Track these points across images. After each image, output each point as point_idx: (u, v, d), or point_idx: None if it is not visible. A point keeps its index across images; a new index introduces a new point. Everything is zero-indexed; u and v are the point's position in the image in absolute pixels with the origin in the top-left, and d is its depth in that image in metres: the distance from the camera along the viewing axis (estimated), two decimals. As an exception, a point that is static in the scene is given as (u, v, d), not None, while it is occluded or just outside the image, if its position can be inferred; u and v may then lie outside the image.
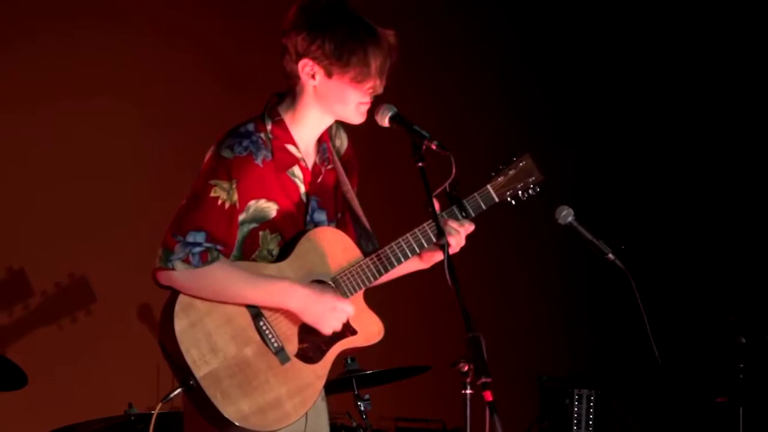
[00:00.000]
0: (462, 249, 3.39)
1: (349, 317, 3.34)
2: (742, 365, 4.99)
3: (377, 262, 3.37)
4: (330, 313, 3.27)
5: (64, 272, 5.39)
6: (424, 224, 3.37)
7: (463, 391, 3.37)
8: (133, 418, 4.64)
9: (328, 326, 3.28)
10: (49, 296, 5.34)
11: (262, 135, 3.33)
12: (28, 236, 5.39)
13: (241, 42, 6.14)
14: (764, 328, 5.07)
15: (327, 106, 3.35)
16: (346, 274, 3.36)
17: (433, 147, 3.17)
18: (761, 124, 7.35)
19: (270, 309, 3.28)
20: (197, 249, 3.20)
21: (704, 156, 7.57)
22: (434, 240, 3.31)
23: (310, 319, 3.27)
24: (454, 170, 3.22)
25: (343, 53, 3.25)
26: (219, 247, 3.23)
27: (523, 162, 3.51)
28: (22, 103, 5.41)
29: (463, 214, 3.40)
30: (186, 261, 3.19)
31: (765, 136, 7.33)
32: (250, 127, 3.34)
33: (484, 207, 3.44)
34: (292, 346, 3.29)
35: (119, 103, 5.67)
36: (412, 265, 3.49)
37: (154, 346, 5.41)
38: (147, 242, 4.93)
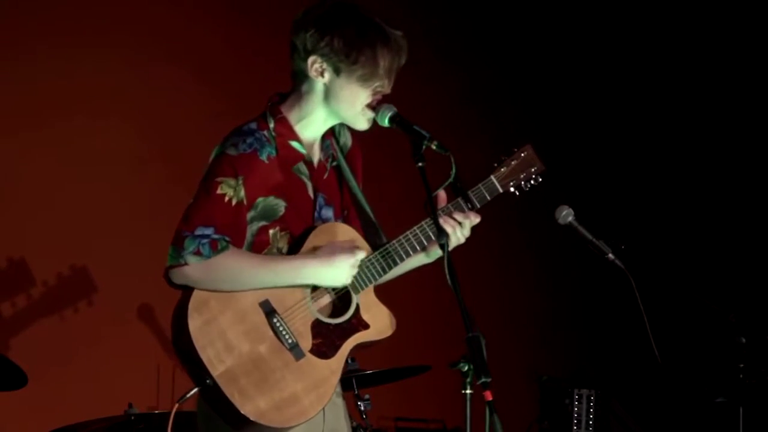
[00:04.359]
0: (462, 249, 3.38)
1: (361, 311, 3.35)
2: (742, 365, 5.00)
3: (385, 258, 3.37)
4: (349, 271, 3.29)
5: (65, 272, 5.39)
6: (428, 219, 3.37)
7: (463, 391, 3.37)
8: (133, 418, 4.64)
9: (349, 279, 3.31)
10: (50, 296, 5.34)
11: (266, 133, 3.33)
12: (28, 238, 5.39)
13: (237, 52, 6.17)
14: (764, 328, 5.07)
15: (334, 107, 3.34)
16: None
17: (433, 147, 3.18)
18: (761, 124, 7.35)
19: (283, 305, 3.28)
20: (206, 240, 3.20)
21: (704, 156, 7.58)
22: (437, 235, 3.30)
23: (332, 285, 3.30)
24: (454, 170, 3.22)
25: (351, 50, 3.25)
26: (227, 237, 3.23)
27: (525, 153, 3.52)
28: (25, 107, 5.43)
29: (469, 205, 3.40)
30: (197, 253, 3.19)
31: (765, 136, 7.33)
32: (253, 125, 3.34)
33: (488, 198, 3.44)
34: (306, 342, 3.28)
35: (118, 111, 5.69)
36: (417, 260, 3.49)
37: (154, 346, 5.47)
38: (147, 243, 4.96)
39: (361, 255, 3.32)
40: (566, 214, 3.65)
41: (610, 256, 3.71)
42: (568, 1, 7.78)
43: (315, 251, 3.31)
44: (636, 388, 7.06)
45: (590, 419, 6.02)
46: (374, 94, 3.32)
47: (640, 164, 7.83)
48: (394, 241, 3.38)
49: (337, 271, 3.28)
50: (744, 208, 7.41)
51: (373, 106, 3.32)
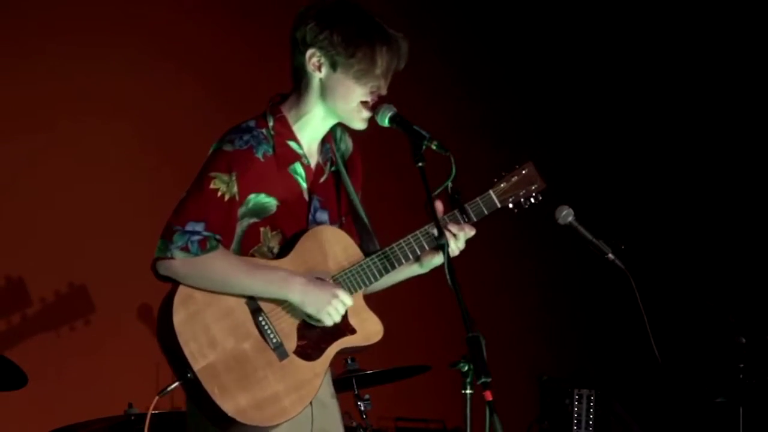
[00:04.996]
0: (461, 250, 3.38)
1: (348, 316, 3.34)
2: (742, 365, 5.00)
3: (379, 263, 3.37)
4: (330, 302, 3.26)
5: (64, 272, 5.39)
6: (426, 226, 3.37)
7: (463, 391, 3.37)
8: (133, 418, 4.64)
9: (328, 317, 3.27)
10: (50, 295, 5.34)
11: (264, 131, 3.34)
12: (27, 240, 5.39)
13: (240, 54, 6.18)
14: (764, 328, 5.07)
15: (330, 103, 3.35)
16: (346, 274, 3.36)
17: (433, 147, 3.18)
18: (761, 124, 7.35)
19: (269, 305, 3.27)
20: (196, 237, 3.20)
21: (704, 156, 7.58)
22: (435, 240, 3.30)
23: (310, 310, 3.27)
24: (454, 170, 3.22)
25: (350, 45, 3.27)
26: (218, 236, 3.23)
27: (526, 169, 3.52)
28: (20, 116, 5.42)
29: (465, 218, 3.40)
30: (185, 249, 3.20)
31: (765, 136, 7.33)
32: (251, 123, 3.35)
33: (486, 212, 3.45)
34: (290, 343, 3.28)
35: (115, 115, 5.68)
36: (410, 270, 3.49)
37: (154, 346, 5.41)
38: (146, 243, 4.95)
39: (348, 300, 3.28)
40: (566, 214, 3.65)
41: (610, 256, 3.71)
42: (569, 2, 7.78)
43: (303, 257, 3.30)
44: (636, 388, 7.06)
45: (590, 419, 6.02)
46: (370, 93, 3.32)
47: (640, 164, 7.83)
48: (387, 248, 3.38)
49: (319, 296, 3.24)
50: (744, 209, 7.41)
51: (371, 106, 3.33)
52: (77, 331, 5.41)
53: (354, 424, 5.00)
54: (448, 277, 2.96)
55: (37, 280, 5.33)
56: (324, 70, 3.31)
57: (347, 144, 3.54)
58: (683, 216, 7.66)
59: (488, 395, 2.80)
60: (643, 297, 3.73)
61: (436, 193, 3.26)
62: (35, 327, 5.31)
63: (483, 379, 2.82)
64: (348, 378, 4.93)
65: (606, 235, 3.74)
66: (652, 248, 7.36)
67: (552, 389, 6.20)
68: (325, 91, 3.34)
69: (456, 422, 6.35)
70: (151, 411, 3.30)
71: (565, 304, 7.77)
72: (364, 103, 3.33)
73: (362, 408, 5.03)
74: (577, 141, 7.80)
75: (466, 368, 3.44)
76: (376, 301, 3.46)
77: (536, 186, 3.52)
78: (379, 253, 3.38)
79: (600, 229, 3.71)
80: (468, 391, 3.39)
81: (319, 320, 3.28)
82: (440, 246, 3.07)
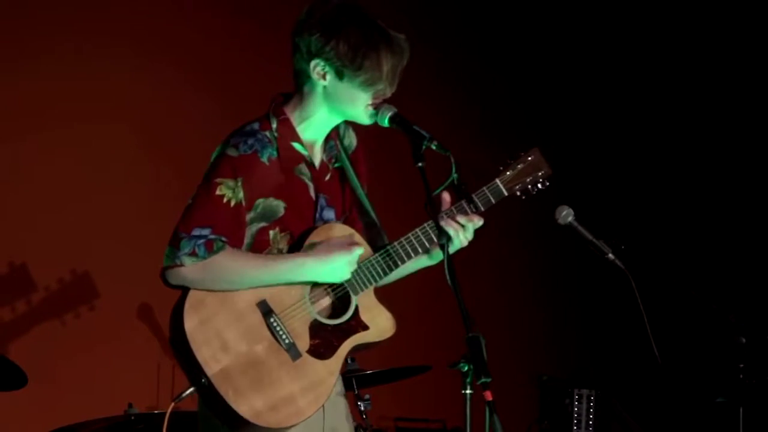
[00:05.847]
0: (462, 249, 3.38)
1: (360, 312, 3.34)
2: (742, 365, 5.00)
3: (386, 259, 3.37)
4: (347, 267, 3.28)
5: (65, 273, 5.40)
6: (431, 220, 3.36)
7: (463, 391, 3.37)
8: (133, 418, 4.64)
9: (348, 275, 3.30)
10: (50, 296, 5.35)
11: (267, 133, 3.33)
12: (31, 237, 5.39)
13: (241, 55, 6.18)
14: (764, 328, 5.07)
15: (335, 107, 3.35)
16: (356, 270, 3.35)
17: (433, 147, 3.17)
18: (761, 124, 7.35)
19: (280, 305, 3.27)
20: (201, 240, 3.20)
21: (704, 156, 7.58)
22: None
23: (331, 281, 3.30)
24: (453, 170, 3.22)
25: (356, 56, 3.25)
26: (224, 238, 3.23)
27: (532, 156, 3.50)
28: (23, 110, 5.43)
29: (473, 208, 3.38)
30: (193, 254, 3.19)
31: (765, 136, 7.34)
32: (255, 125, 3.34)
33: (493, 201, 3.43)
34: (303, 343, 3.28)
35: (114, 115, 5.69)
36: (420, 262, 3.48)
37: (154, 346, 5.47)
38: (147, 243, 4.96)
39: (359, 251, 3.31)
40: (566, 214, 3.65)
41: (610, 256, 3.71)
42: (570, 3, 7.78)
43: (312, 249, 3.31)
44: (636, 388, 7.06)
45: (590, 419, 6.03)
46: (375, 97, 3.31)
47: (640, 164, 7.83)
48: (395, 243, 3.38)
49: (335, 267, 3.27)
50: (744, 208, 7.41)
51: (375, 107, 3.32)
52: (77, 331, 5.41)
53: (354, 424, 4.99)
54: (448, 276, 2.96)
55: (37, 279, 5.33)
56: (329, 78, 3.30)
57: (351, 139, 3.53)
58: (683, 216, 7.66)
59: (488, 395, 2.79)
60: (643, 297, 3.73)
61: (436, 192, 3.27)
62: (35, 327, 5.31)
63: (483, 379, 2.81)
64: (348, 378, 4.93)
65: (606, 235, 3.74)
66: (652, 248, 7.36)
67: (552, 389, 6.21)
68: (329, 97, 3.33)
69: (456, 422, 6.35)
70: (169, 412, 3.29)
71: (565, 304, 7.77)
72: (369, 105, 3.33)
73: (362, 408, 5.03)
74: (577, 141, 7.79)
75: (466, 368, 3.44)
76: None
77: (543, 172, 3.50)
78: (383, 250, 3.38)
79: (600, 229, 3.71)
80: (468, 391, 3.39)
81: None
82: (440, 246, 3.06)
